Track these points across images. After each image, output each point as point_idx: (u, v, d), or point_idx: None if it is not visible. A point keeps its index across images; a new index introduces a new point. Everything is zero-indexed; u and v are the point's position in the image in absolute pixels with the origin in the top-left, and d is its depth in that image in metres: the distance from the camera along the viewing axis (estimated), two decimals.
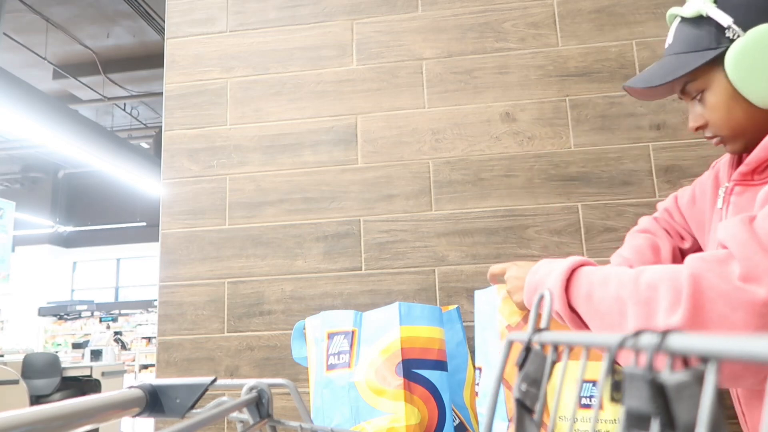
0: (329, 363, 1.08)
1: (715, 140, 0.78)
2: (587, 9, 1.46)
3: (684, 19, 0.74)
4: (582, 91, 1.42)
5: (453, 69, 1.47)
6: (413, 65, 1.49)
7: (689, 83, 0.75)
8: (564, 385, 0.88)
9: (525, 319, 0.94)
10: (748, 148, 0.75)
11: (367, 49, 1.51)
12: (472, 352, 1.31)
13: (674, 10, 0.75)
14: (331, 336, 1.11)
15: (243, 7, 1.59)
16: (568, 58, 1.44)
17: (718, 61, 0.70)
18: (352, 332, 1.09)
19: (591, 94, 1.42)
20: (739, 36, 0.68)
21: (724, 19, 0.68)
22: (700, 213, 0.93)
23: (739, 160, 0.81)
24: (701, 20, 0.71)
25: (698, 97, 0.76)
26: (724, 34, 0.69)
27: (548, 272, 0.75)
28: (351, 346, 1.07)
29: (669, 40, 0.78)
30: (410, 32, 1.51)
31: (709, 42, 0.70)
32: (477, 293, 1.06)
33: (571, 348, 0.31)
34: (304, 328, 1.18)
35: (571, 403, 0.87)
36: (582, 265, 0.72)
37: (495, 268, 0.95)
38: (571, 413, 0.85)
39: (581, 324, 0.70)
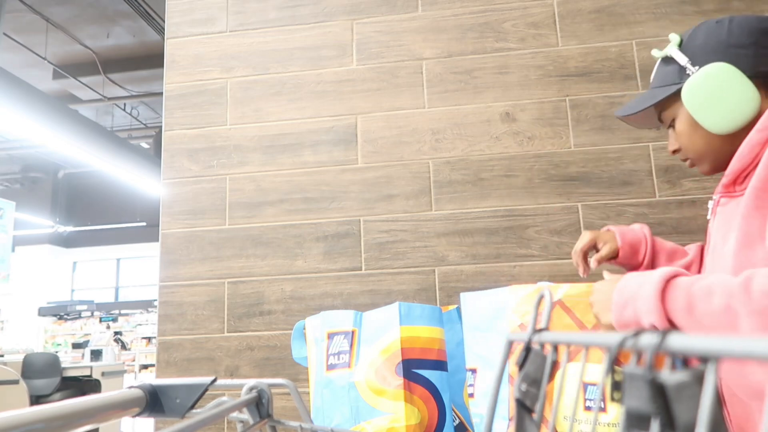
0: (329, 363, 1.07)
1: (687, 162, 0.88)
2: (587, 9, 1.46)
3: (662, 59, 0.87)
4: (582, 91, 1.42)
5: (453, 69, 1.47)
6: (413, 65, 1.49)
7: (663, 113, 0.87)
8: (565, 386, 0.88)
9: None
10: (717, 169, 0.84)
11: (367, 49, 1.51)
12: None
13: (654, 52, 0.88)
14: (331, 336, 1.11)
15: (243, 7, 1.59)
16: (568, 58, 1.44)
17: (680, 94, 0.82)
18: (352, 332, 1.09)
19: (591, 94, 1.42)
20: (692, 73, 0.80)
21: (682, 58, 0.81)
22: None
23: None
24: (670, 60, 0.84)
25: (671, 125, 0.87)
26: (685, 71, 0.81)
27: (639, 285, 0.71)
28: (351, 346, 1.07)
29: (652, 76, 0.90)
30: (410, 32, 1.51)
31: (673, 78, 0.83)
32: (466, 295, 1.05)
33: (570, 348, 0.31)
34: (304, 329, 1.18)
35: (576, 404, 0.87)
36: (675, 276, 0.69)
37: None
38: (577, 414, 0.85)
39: None
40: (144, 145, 9.20)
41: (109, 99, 7.58)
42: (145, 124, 9.01)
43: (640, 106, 0.86)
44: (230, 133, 1.52)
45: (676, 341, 0.22)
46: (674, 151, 0.88)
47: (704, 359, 0.21)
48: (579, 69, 1.43)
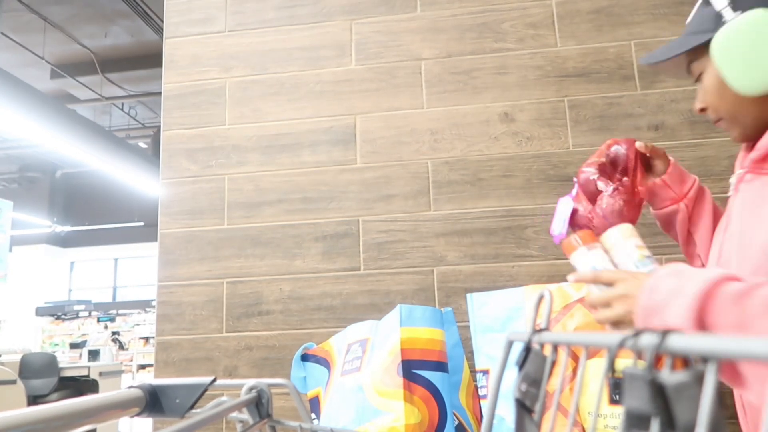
0: (344, 369, 1.09)
1: (718, 123, 0.77)
2: (586, 10, 1.46)
3: (703, 0, 0.74)
4: (580, 92, 1.42)
5: (452, 69, 1.47)
6: (412, 65, 1.49)
7: (692, 63, 0.76)
8: (587, 383, 0.88)
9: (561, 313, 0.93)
10: (749, 136, 0.73)
11: (365, 50, 1.51)
12: (469, 353, 1.31)
13: None
14: (349, 346, 1.13)
15: (241, 7, 1.59)
16: (567, 58, 1.44)
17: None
18: (367, 340, 1.10)
19: (589, 95, 1.42)
20: (729, 20, 0.68)
21: (718, 3, 0.69)
22: None
23: (751, 148, 0.76)
24: (708, 3, 0.72)
25: (698, 78, 0.76)
26: (721, 18, 0.69)
27: (675, 290, 0.58)
28: (364, 352, 1.08)
29: (688, 19, 0.78)
30: (409, 32, 1.51)
31: (708, 25, 0.71)
32: (473, 296, 1.06)
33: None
34: (302, 354, 1.21)
35: (599, 399, 0.87)
36: (725, 279, 0.55)
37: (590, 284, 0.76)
38: (601, 409, 0.85)
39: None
40: (142, 144, 9.19)
41: (107, 99, 7.56)
42: (143, 124, 8.99)
43: (669, 53, 0.75)
44: (229, 133, 1.52)
45: (676, 341, 0.22)
46: (701, 110, 0.77)
47: (704, 359, 0.21)
48: (577, 69, 1.43)
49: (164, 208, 1.50)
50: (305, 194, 1.46)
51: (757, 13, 0.65)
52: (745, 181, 0.74)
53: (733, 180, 0.78)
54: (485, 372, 1.00)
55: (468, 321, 1.32)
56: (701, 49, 0.72)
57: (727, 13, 0.68)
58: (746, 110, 0.71)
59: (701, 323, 0.54)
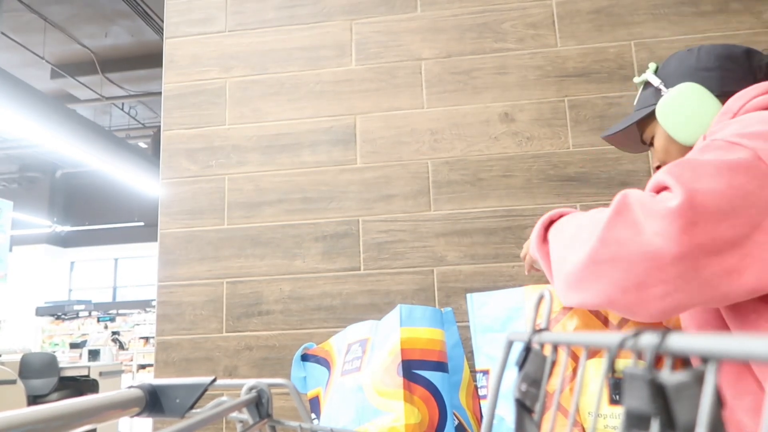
0: (344, 369, 1.09)
1: None
2: (586, 10, 1.46)
3: (644, 85, 0.97)
4: (581, 92, 1.42)
5: (452, 69, 1.47)
6: (412, 65, 1.49)
7: (643, 133, 0.97)
8: (587, 383, 0.88)
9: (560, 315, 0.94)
10: None
11: (365, 50, 1.51)
12: (469, 354, 1.31)
13: (635, 79, 0.98)
14: (349, 346, 1.13)
15: (242, 7, 1.59)
16: (567, 58, 1.44)
17: (655, 113, 0.92)
18: (367, 340, 1.10)
19: (590, 95, 1.42)
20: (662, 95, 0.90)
21: (656, 81, 0.92)
22: None
23: None
24: (648, 84, 0.95)
25: (651, 142, 0.96)
26: (660, 93, 0.91)
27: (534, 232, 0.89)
28: (364, 352, 1.08)
29: (635, 101, 1.01)
30: (409, 32, 1.51)
31: (650, 100, 0.93)
32: (473, 296, 1.05)
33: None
34: (302, 354, 1.21)
35: (599, 399, 0.87)
36: (552, 218, 0.88)
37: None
38: (601, 409, 0.85)
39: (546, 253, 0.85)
40: (142, 144, 9.19)
41: (107, 99, 7.57)
42: (143, 124, 8.99)
43: (621, 126, 0.98)
44: (229, 133, 1.52)
45: (676, 341, 0.22)
46: (657, 168, 0.95)
47: (704, 359, 0.21)
48: (578, 69, 1.43)
49: (164, 208, 1.50)
50: (305, 194, 1.46)
51: (684, 85, 0.87)
52: None
53: None
54: (485, 372, 1.00)
55: (468, 321, 1.32)
56: (649, 119, 0.94)
57: (663, 88, 0.90)
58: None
59: (546, 222, 0.87)
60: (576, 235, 0.75)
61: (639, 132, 0.99)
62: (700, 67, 0.88)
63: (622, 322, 0.92)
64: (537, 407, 0.33)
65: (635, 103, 1.00)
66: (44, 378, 5.20)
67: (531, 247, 0.90)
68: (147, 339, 9.88)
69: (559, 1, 1.47)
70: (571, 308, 0.96)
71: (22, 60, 6.76)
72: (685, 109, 0.86)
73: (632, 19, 1.44)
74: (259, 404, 0.56)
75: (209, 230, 1.47)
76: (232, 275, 1.44)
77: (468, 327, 1.32)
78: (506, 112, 1.44)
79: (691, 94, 0.86)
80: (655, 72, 0.94)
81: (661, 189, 0.67)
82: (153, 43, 6.61)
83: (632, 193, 0.68)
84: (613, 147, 1.38)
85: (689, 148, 0.87)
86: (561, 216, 0.87)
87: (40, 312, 10.21)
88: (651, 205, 0.64)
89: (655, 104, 0.91)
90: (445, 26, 1.50)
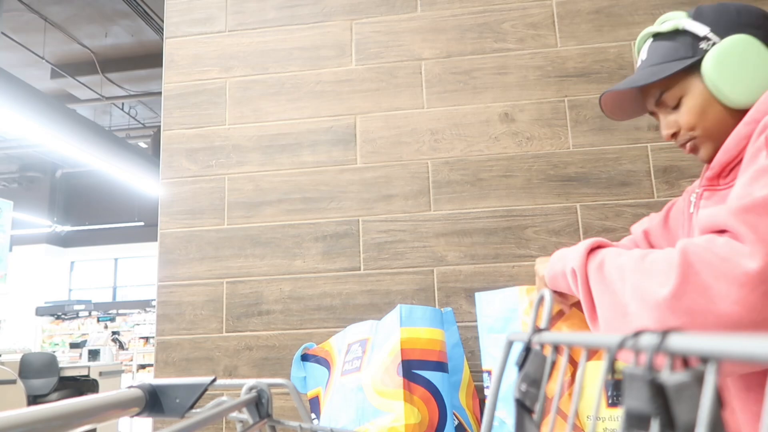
0: (344, 369, 1.09)
1: (688, 145, 0.83)
2: (586, 10, 1.46)
3: (657, 37, 0.83)
4: (581, 92, 1.42)
5: (452, 69, 1.47)
6: (412, 65, 1.49)
7: (665, 92, 0.82)
8: (586, 386, 0.89)
9: (555, 318, 0.94)
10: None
11: (366, 49, 1.51)
12: (473, 353, 1.31)
13: (647, 31, 0.84)
14: (349, 346, 1.13)
15: (242, 7, 1.59)
16: (567, 58, 1.44)
17: (694, 67, 0.78)
18: (367, 340, 1.10)
19: (590, 95, 1.42)
20: (714, 44, 0.77)
21: (701, 29, 0.77)
22: (674, 231, 0.98)
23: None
24: (677, 34, 0.80)
25: (675, 105, 0.82)
26: (699, 44, 0.78)
27: (572, 249, 0.83)
28: (364, 352, 1.08)
29: (642, 56, 0.85)
30: (409, 32, 1.51)
31: (686, 51, 0.79)
32: (480, 295, 1.05)
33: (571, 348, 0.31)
34: (302, 354, 1.21)
35: (598, 402, 0.87)
36: (602, 245, 0.80)
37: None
38: (600, 412, 0.85)
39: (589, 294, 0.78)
40: (142, 144, 9.19)
41: (108, 98, 7.57)
42: (143, 124, 8.99)
43: (652, 77, 0.79)
44: (229, 133, 1.52)
45: (676, 341, 0.22)
46: (673, 135, 0.84)
47: (704, 359, 0.21)
48: (578, 69, 1.43)
49: (164, 208, 1.50)
50: (305, 194, 1.46)
51: (740, 37, 0.75)
52: (704, 198, 0.81)
53: (693, 198, 0.85)
54: (490, 372, 1.00)
55: (468, 321, 1.32)
56: (677, 76, 0.80)
57: (712, 36, 0.77)
58: (728, 125, 0.78)
59: (586, 259, 0.78)
60: (630, 294, 0.66)
61: (656, 92, 0.83)
62: (743, 23, 0.76)
63: None
64: (537, 407, 0.33)
65: (646, 56, 0.84)
66: (44, 378, 5.20)
67: (554, 275, 0.85)
68: (147, 339, 9.88)
69: (559, 2, 1.47)
70: (565, 313, 0.96)
71: (23, 60, 6.76)
72: (743, 64, 0.74)
73: (632, 19, 1.44)
74: (259, 404, 0.56)
75: (209, 230, 1.47)
76: (232, 275, 1.44)
77: (468, 327, 1.32)
78: (506, 112, 1.44)
79: (750, 47, 0.74)
80: (690, 17, 0.79)
81: (722, 232, 0.61)
82: (153, 43, 6.61)
83: (692, 251, 0.60)
84: (612, 147, 1.38)
85: (730, 111, 0.77)
86: (600, 247, 0.79)
87: (40, 312, 10.21)
88: (721, 267, 0.57)
89: (693, 57, 0.77)
90: (446, 26, 1.50)
